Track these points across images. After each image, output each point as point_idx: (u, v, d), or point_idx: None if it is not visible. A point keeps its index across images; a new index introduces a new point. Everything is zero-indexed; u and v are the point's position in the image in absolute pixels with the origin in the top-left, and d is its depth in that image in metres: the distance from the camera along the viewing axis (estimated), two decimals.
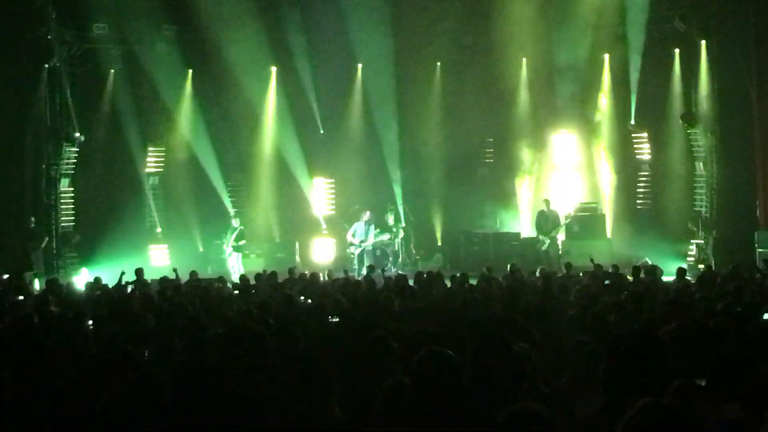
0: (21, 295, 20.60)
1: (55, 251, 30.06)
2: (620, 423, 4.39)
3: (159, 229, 32.54)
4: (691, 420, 4.24)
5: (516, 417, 5.12)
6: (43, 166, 30.07)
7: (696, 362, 7.29)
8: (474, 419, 5.87)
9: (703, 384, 6.71)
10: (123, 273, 22.13)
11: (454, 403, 5.93)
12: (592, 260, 23.35)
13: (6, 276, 20.29)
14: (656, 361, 5.96)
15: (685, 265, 23.53)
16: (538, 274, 22.19)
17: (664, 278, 22.10)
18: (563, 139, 32.30)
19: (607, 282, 19.43)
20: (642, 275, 20.89)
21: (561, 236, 29.87)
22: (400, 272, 25.19)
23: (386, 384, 6.65)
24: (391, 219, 31.05)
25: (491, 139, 32.87)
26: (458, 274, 20.94)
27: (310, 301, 17.34)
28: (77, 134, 30.27)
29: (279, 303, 15.48)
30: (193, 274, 22.98)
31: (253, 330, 8.36)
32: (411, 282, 20.11)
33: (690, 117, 29.11)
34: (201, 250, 32.27)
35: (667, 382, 6.12)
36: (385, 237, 30.28)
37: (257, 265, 28.90)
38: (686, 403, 5.62)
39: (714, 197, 29.03)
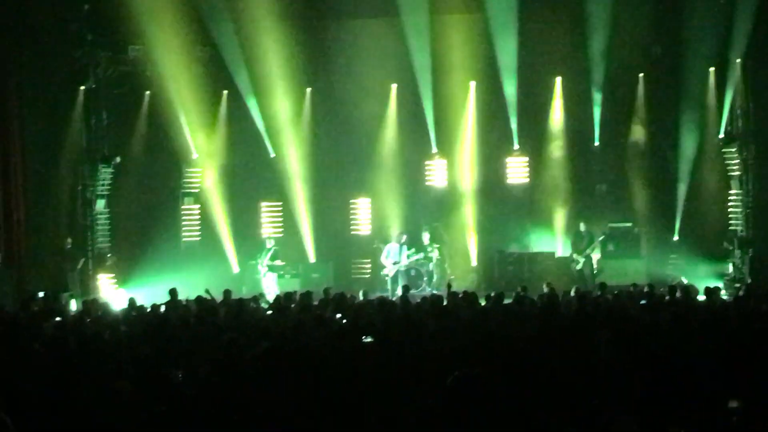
0: (57, 316, 20.76)
1: (91, 272, 30.21)
2: None
3: (193, 249, 32.68)
4: None
5: None
6: (79, 188, 30.23)
7: (731, 384, 7.24)
8: None
9: (738, 404, 6.65)
10: (207, 291, 22.27)
11: (487, 424, 5.91)
12: (634, 285, 23.28)
13: (41, 295, 20.43)
14: (691, 381, 5.93)
15: (719, 284, 23.37)
16: (573, 293, 22.09)
17: (701, 297, 21.95)
18: (597, 157, 32.13)
19: (642, 302, 19.30)
20: (678, 294, 20.73)
21: (596, 255, 29.77)
22: (434, 292, 25.10)
23: (419, 405, 6.64)
24: (426, 238, 31.01)
25: (527, 158, 32.67)
26: (493, 294, 20.88)
27: (344, 321, 17.35)
28: (113, 156, 30.45)
29: (313, 323, 15.49)
30: (227, 293, 22.97)
31: (288, 351, 8.36)
32: (445, 302, 20.09)
33: (728, 135, 28.99)
34: (236, 270, 32.32)
35: (703, 404, 6.08)
36: (420, 256, 30.24)
37: (292, 285, 28.91)
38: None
39: (750, 216, 28.86)
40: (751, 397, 6.72)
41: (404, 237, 29.48)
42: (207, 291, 22.99)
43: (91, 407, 8.35)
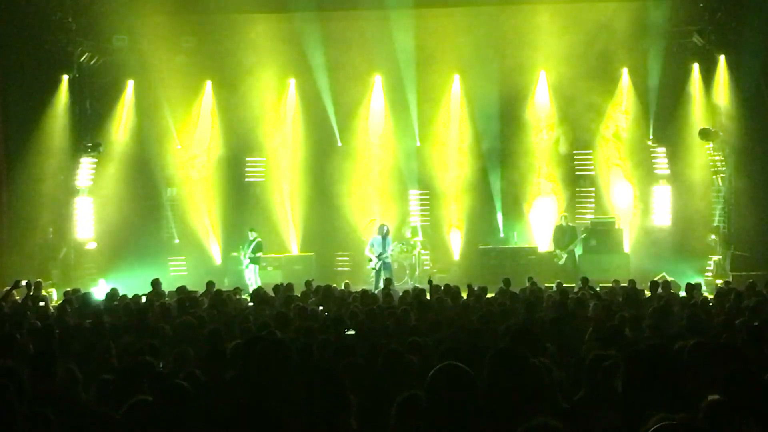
0: (42, 301, 20.78)
1: (72, 262, 30.15)
2: None
3: (177, 240, 32.68)
4: None
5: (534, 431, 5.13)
6: (62, 177, 30.17)
7: (713, 378, 7.27)
8: None
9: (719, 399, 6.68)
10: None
11: (469, 417, 5.92)
12: (616, 282, 23.45)
13: (24, 283, 20.37)
14: (674, 376, 5.96)
15: (700, 280, 23.49)
16: (555, 288, 22.15)
17: (682, 293, 22.04)
18: (581, 153, 32.22)
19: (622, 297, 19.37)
20: (660, 291, 20.81)
21: (578, 251, 29.87)
22: (417, 285, 25.13)
23: (401, 397, 6.64)
24: (408, 232, 31.06)
25: (508, 153, 32.66)
26: (476, 288, 20.92)
27: (327, 313, 17.37)
28: (96, 145, 30.38)
29: (295, 315, 15.49)
30: (209, 284, 22.97)
31: (270, 342, 8.36)
32: (427, 296, 20.13)
33: (708, 132, 29.04)
34: (218, 262, 32.32)
35: (684, 398, 6.10)
36: (403, 249, 30.30)
37: (274, 277, 28.92)
38: (716, 421, 5.62)
39: (732, 212, 28.96)
40: (732, 391, 6.75)
41: (386, 228, 29.46)
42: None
43: (74, 396, 8.35)
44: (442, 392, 5.97)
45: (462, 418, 5.88)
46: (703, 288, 25.20)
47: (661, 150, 31.39)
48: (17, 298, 20.49)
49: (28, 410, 6.62)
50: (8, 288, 20.29)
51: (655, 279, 24.18)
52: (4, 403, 6.20)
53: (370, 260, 29.13)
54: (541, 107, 32.23)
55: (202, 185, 32.64)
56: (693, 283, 22.24)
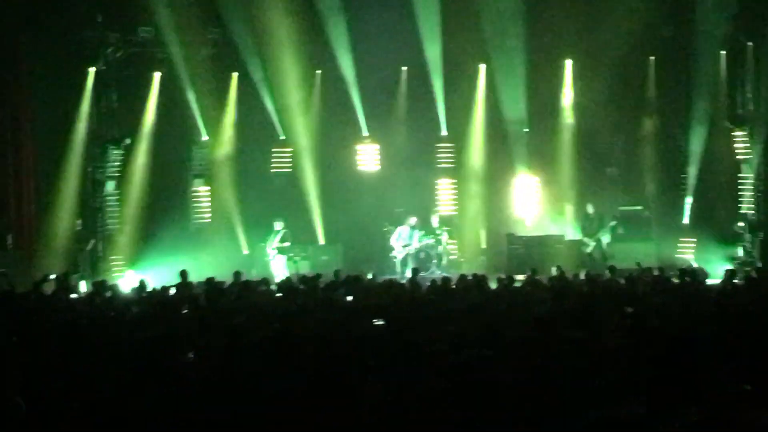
0: (73, 293, 20.90)
1: (101, 253, 30.28)
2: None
3: (204, 231, 32.67)
4: None
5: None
6: (89, 169, 30.25)
7: (741, 366, 7.23)
8: (513, 422, 5.86)
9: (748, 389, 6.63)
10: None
11: (494, 405, 5.91)
12: (638, 264, 23.30)
13: (52, 277, 20.50)
14: (702, 364, 5.93)
15: (731, 267, 23.35)
16: (582, 276, 22.07)
17: (710, 281, 21.93)
18: (606, 141, 32.03)
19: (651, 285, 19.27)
20: (687, 278, 20.70)
21: (606, 239, 29.74)
22: (444, 275, 25.10)
23: (423, 386, 6.63)
24: (435, 221, 31.02)
25: (535, 142, 32.51)
26: (503, 276, 20.87)
27: (355, 303, 17.37)
28: (123, 137, 30.49)
29: (322, 306, 15.50)
30: (237, 275, 23.00)
31: (296, 333, 8.37)
32: (455, 285, 20.10)
33: (737, 118, 28.88)
34: (246, 252, 32.34)
35: (710, 388, 6.06)
36: (430, 240, 30.25)
37: (302, 267, 28.95)
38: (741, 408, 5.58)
39: (760, 199, 28.81)
40: (761, 381, 6.70)
41: (414, 220, 29.38)
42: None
43: (102, 387, 8.38)
44: (468, 380, 5.96)
45: (487, 407, 5.87)
46: None
47: (688, 137, 31.15)
48: (46, 290, 20.59)
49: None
50: (37, 281, 20.44)
51: (683, 267, 24.05)
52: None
53: (394, 249, 29.09)
54: (567, 96, 32.05)
55: (228, 176, 32.62)
56: (731, 269, 22.05)
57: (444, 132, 32.73)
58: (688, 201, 30.90)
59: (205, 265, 29.58)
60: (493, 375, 6.02)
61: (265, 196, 32.63)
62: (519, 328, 11.06)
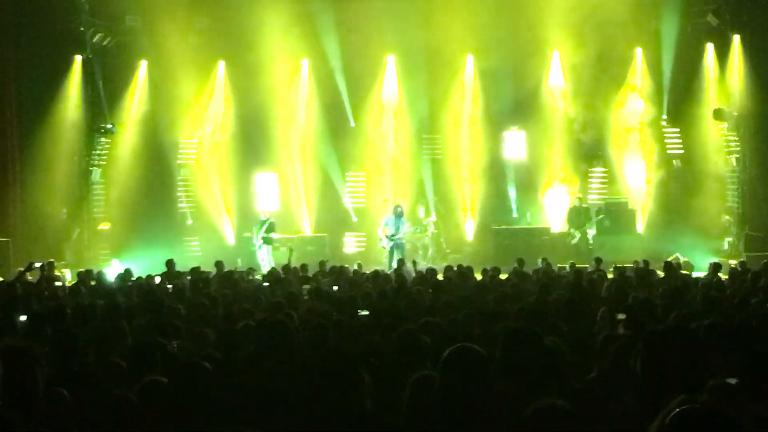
0: (57, 281, 20.83)
1: (86, 242, 30.22)
2: (656, 420, 4.35)
3: (190, 221, 32.63)
4: (727, 419, 4.18)
5: (542, 412, 5.11)
6: (75, 158, 30.22)
7: (729, 359, 7.24)
8: (502, 414, 5.85)
9: (736, 382, 6.64)
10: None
11: (482, 398, 5.90)
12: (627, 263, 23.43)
13: (37, 265, 20.45)
14: (691, 357, 5.92)
15: (717, 260, 23.40)
16: (568, 268, 22.11)
17: (696, 274, 21.98)
18: (594, 133, 32.03)
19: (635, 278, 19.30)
20: (672, 271, 20.72)
21: (592, 231, 29.79)
22: (430, 266, 25.09)
23: (414, 378, 6.61)
24: (421, 212, 31.04)
25: (523, 133, 32.54)
26: (489, 268, 20.88)
27: (340, 294, 17.35)
28: (109, 126, 30.42)
29: (308, 295, 15.49)
30: (219, 264, 23.00)
31: (283, 322, 8.34)
32: (441, 276, 20.10)
33: (722, 112, 28.95)
34: (232, 242, 32.31)
35: (701, 379, 6.06)
36: (416, 230, 30.26)
37: (287, 258, 28.94)
38: (721, 401, 5.59)
39: (746, 193, 28.89)
40: (749, 373, 6.72)
41: (401, 209, 29.39)
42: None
43: (89, 377, 8.34)
44: (455, 373, 5.94)
45: (475, 398, 5.86)
46: None
47: (675, 130, 31.25)
48: (31, 279, 20.54)
49: (46, 390, 6.62)
50: (22, 269, 20.37)
51: (669, 259, 24.10)
52: (30, 380, 6.19)
53: (381, 239, 29.08)
54: (554, 87, 32.08)
55: (214, 165, 32.56)
56: (716, 261, 22.07)
57: (430, 123, 32.73)
58: (673, 194, 30.95)
59: (190, 255, 29.61)
60: (480, 367, 6.00)
61: (252, 186, 32.66)
62: (505, 319, 11.07)
